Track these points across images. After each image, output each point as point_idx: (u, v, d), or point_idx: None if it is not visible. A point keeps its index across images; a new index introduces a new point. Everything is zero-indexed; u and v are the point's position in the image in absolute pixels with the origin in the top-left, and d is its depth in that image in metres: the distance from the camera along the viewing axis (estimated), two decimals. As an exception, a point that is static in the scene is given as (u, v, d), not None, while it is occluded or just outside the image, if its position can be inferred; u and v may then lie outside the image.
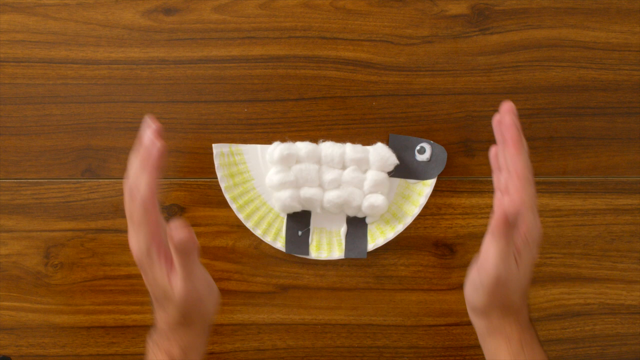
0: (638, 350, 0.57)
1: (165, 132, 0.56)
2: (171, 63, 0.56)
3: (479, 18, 0.56)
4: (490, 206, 0.56)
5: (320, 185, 0.55)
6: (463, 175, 0.56)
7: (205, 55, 0.56)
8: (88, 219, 0.56)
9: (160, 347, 0.48)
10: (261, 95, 0.56)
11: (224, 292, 0.57)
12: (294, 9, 0.56)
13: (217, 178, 0.55)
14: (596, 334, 0.57)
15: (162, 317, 0.48)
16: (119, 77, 0.56)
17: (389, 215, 0.56)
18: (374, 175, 0.54)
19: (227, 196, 0.55)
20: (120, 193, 0.56)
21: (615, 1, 0.56)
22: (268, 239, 0.55)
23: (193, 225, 0.56)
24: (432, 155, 0.55)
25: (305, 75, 0.56)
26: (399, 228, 0.55)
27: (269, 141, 0.56)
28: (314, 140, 0.55)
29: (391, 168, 0.55)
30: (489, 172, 0.56)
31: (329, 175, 0.54)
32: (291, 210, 0.55)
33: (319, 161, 0.55)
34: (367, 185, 0.54)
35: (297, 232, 0.56)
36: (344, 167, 0.55)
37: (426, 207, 0.56)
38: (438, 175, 0.55)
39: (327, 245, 0.56)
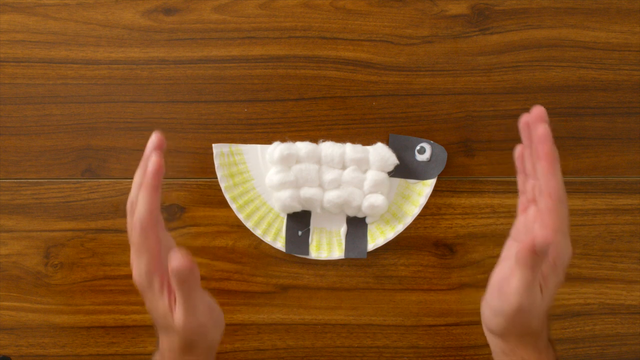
0: (638, 350, 0.57)
1: (165, 132, 0.56)
2: (171, 63, 0.56)
3: (479, 18, 0.56)
4: (491, 206, 0.56)
5: (320, 185, 0.55)
6: (463, 175, 0.56)
7: (205, 55, 0.56)
8: (88, 219, 0.56)
9: None
10: (261, 95, 0.56)
11: (224, 292, 0.57)
12: (294, 9, 0.56)
13: (217, 178, 0.55)
14: (596, 334, 0.57)
15: (165, 343, 0.45)
16: (119, 77, 0.56)
17: (389, 215, 0.56)
18: (374, 175, 0.54)
19: (227, 196, 0.55)
20: (120, 193, 0.56)
21: (615, 1, 0.56)
22: (268, 239, 0.55)
23: (193, 225, 0.56)
24: (432, 155, 0.55)
25: (305, 75, 0.56)
26: (399, 228, 0.55)
27: (269, 141, 0.56)
28: (314, 140, 0.55)
29: (391, 168, 0.55)
30: (489, 172, 0.56)
31: (329, 175, 0.54)
32: (291, 210, 0.55)
33: (319, 161, 0.55)
34: (367, 185, 0.54)
35: (297, 232, 0.56)
36: (344, 167, 0.55)
37: (426, 207, 0.56)
38: (438, 175, 0.55)
39: (327, 245, 0.56)
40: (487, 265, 0.56)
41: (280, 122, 0.56)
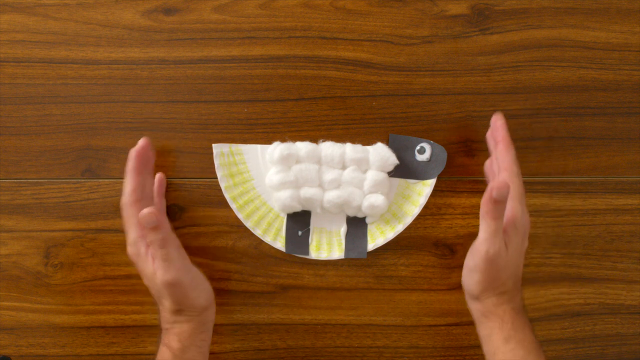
0: (638, 350, 0.57)
1: (165, 132, 0.56)
2: (171, 63, 0.56)
3: (479, 18, 0.56)
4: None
5: (320, 185, 0.55)
6: (463, 175, 0.56)
7: (205, 55, 0.56)
8: (88, 219, 0.56)
9: (163, 341, 0.50)
10: (261, 95, 0.56)
11: (224, 292, 0.57)
12: (294, 9, 0.56)
13: (217, 178, 0.55)
14: (596, 334, 0.57)
15: (161, 312, 0.51)
16: (119, 77, 0.56)
17: (389, 215, 0.56)
18: (374, 175, 0.54)
19: (227, 196, 0.55)
20: (120, 193, 0.55)
21: (615, 1, 0.56)
22: (268, 239, 0.55)
23: (193, 225, 0.56)
24: (432, 155, 0.55)
25: (305, 75, 0.56)
26: (399, 228, 0.55)
27: (269, 141, 0.56)
28: (314, 140, 0.55)
29: (391, 168, 0.55)
30: (489, 172, 0.56)
31: (329, 175, 0.54)
32: (291, 210, 0.55)
33: (319, 161, 0.55)
34: (367, 185, 0.54)
35: (297, 232, 0.56)
36: (344, 167, 0.55)
37: (426, 207, 0.56)
38: (438, 175, 0.55)
39: (327, 245, 0.56)
40: (487, 265, 0.56)
41: (280, 122, 0.56)
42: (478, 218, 0.56)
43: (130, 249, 0.50)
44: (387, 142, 0.56)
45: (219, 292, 0.56)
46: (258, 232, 0.55)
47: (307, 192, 0.54)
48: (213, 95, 0.56)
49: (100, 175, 0.56)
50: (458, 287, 0.57)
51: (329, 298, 0.57)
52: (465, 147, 0.56)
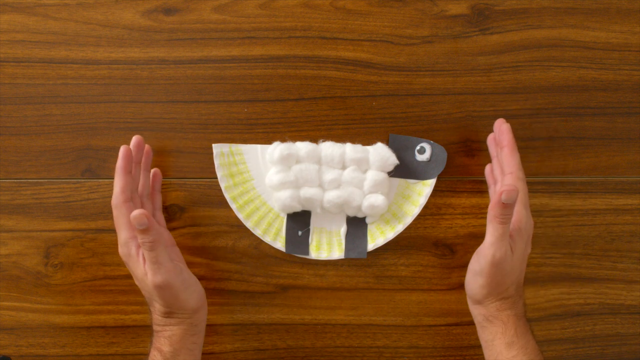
0: (638, 350, 0.57)
1: (165, 132, 0.56)
2: (171, 63, 0.56)
3: (479, 18, 0.56)
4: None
5: (320, 185, 0.55)
6: (463, 175, 0.56)
7: (205, 55, 0.56)
8: (88, 219, 0.56)
9: (154, 345, 0.50)
10: (261, 95, 0.56)
11: (224, 292, 0.57)
12: (294, 9, 0.56)
13: (217, 178, 0.55)
14: (596, 334, 0.57)
15: (152, 315, 0.51)
16: (119, 77, 0.56)
17: (389, 215, 0.56)
18: (374, 175, 0.54)
19: (227, 196, 0.55)
20: (120, 193, 0.56)
21: (615, 1, 0.56)
22: (268, 239, 0.55)
23: (193, 225, 0.56)
24: (432, 155, 0.55)
25: (305, 75, 0.56)
26: (399, 228, 0.55)
27: (269, 141, 0.56)
28: (314, 140, 0.55)
29: (391, 168, 0.55)
30: (489, 172, 0.56)
31: (329, 175, 0.54)
32: (291, 210, 0.55)
33: (319, 161, 0.55)
34: (367, 185, 0.54)
35: (297, 232, 0.56)
36: (344, 167, 0.55)
37: (426, 207, 0.56)
38: (438, 175, 0.55)
39: (327, 245, 0.56)
40: (487, 265, 0.56)
41: (280, 122, 0.56)
42: (478, 218, 0.57)
43: (121, 250, 0.50)
44: (387, 142, 0.56)
45: (219, 292, 0.56)
46: (258, 232, 0.55)
47: (307, 192, 0.54)
48: (213, 95, 0.56)
49: (100, 175, 0.56)
50: (458, 287, 0.57)
51: (329, 298, 0.57)
52: (465, 147, 0.56)
